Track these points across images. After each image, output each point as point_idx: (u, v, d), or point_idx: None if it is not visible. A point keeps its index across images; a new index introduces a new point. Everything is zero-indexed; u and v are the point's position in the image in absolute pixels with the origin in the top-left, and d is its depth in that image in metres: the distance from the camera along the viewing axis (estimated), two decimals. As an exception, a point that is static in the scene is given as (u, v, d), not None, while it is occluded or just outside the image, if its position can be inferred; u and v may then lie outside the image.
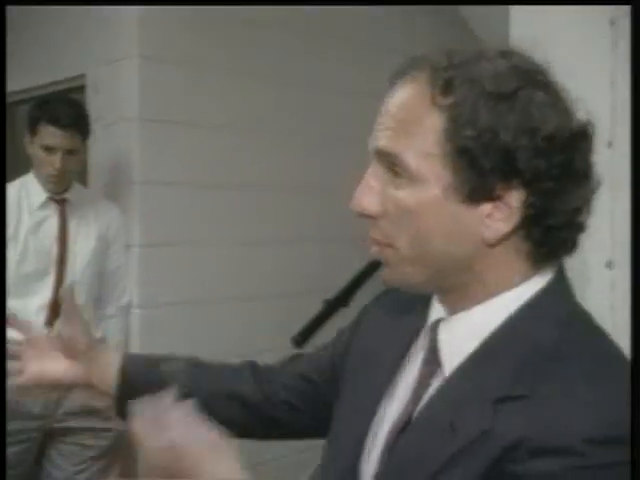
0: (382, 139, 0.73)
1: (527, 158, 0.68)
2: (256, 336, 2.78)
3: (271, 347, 2.81)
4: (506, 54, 0.72)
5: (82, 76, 2.65)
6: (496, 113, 0.68)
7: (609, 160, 1.04)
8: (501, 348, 0.72)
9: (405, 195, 0.72)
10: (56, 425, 2.25)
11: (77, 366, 1.01)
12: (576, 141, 0.70)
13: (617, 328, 1.00)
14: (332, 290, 3.01)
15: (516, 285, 0.74)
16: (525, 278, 0.74)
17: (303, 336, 3.14)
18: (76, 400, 2.24)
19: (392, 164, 0.73)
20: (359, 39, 3.04)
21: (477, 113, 0.68)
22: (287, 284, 2.87)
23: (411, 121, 0.72)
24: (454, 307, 0.77)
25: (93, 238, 2.34)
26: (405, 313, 0.87)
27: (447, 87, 0.70)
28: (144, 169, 2.47)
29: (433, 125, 0.70)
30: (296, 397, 1.02)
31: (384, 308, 0.93)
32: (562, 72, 0.96)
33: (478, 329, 0.74)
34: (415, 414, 0.77)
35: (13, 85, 2.69)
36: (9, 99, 2.70)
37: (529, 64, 0.72)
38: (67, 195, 2.32)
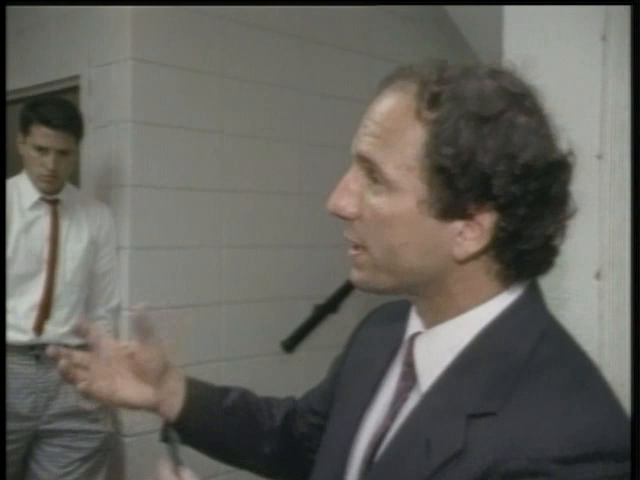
0: (364, 144, 0.74)
1: (503, 184, 0.68)
2: (245, 340, 2.78)
3: (260, 352, 2.83)
4: (496, 74, 0.72)
5: (76, 77, 2.65)
6: (477, 135, 0.68)
7: (598, 173, 1.05)
8: (475, 362, 0.72)
9: (381, 203, 0.72)
10: (43, 427, 2.24)
11: (148, 390, 0.97)
12: (554, 170, 0.70)
13: (604, 337, 1.02)
14: (322, 296, 3.02)
15: (485, 300, 0.74)
16: (495, 294, 0.74)
17: (293, 341, 3.15)
18: (64, 402, 2.24)
19: (371, 170, 0.73)
20: (358, 46, 3.06)
21: (458, 132, 0.68)
22: (277, 289, 2.87)
23: (394, 131, 0.72)
24: (429, 320, 0.78)
25: (85, 239, 2.33)
26: (391, 327, 0.87)
27: (433, 102, 0.70)
28: (136, 172, 2.47)
29: (415, 138, 0.70)
30: (310, 431, 1.01)
31: (375, 323, 0.94)
32: (553, 81, 0.97)
33: (452, 343, 0.74)
34: (392, 429, 0.77)
35: (9, 84, 2.68)
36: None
37: (517, 87, 0.71)
38: (59, 196, 2.31)
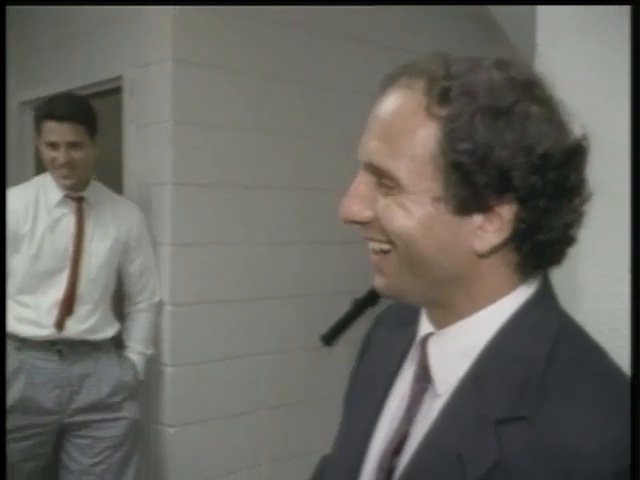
0: (372, 152, 0.72)
1: (522, 175, 0.67)
2: (286, 334, 2.82)
3: (300, 345, 2.85)
4: (502, 64, 0.70)
5: (118, 78, 2.71)
6: (493, 128, 0.66)
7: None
8: (493, 367, 0.71)
9: (394, 204, 0.71)
10: (68, 420, 2.27)
11: None
12: (571, 157, 0.69)
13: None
14: (360, 290, 3.03)
15: (502, 296, 0.73)
16: (511, 289, 0.73)
17: (332, 334, 3.17)
18: (87, 396, 2.27)
19: (381, 176, 0.71)
20: (396, 44, 3.05)
21: (473, 127, 0.66)
22: (316, 283, 2.90)
23: (404, 130, 0.69)
24: (441, 322, 0.76)
25: (110, 238, 2.34)
26: (400, 329, 0.86)
27: (443, 97, 0.68)
28: (176, 170, 2.52)
29: (427, 136, 0.68)
30: None
31: (384, 326, 0.92)
32: (586, 76, 0.97)
33: (468, 344, 0.73)
34: (414, 437, 0.75)
35: (50, 89, 2.76)
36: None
37: (526, 76, 0.70)
38: (84, 193, 2.31)
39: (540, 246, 0.71)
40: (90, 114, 2.28)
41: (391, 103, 0.71)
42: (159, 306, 2.51)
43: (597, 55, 1.11)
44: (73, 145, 2.21)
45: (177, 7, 2.49)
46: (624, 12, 0.98)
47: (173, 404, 2.56)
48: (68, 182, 2.26)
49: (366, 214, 0.73)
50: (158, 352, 2.54)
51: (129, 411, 2.36)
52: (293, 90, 2.81)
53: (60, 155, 2.20)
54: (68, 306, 2.25)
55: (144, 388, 2.50)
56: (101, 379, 2.30)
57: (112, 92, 2.77)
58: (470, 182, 0.67)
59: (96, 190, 2.37)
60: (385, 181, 0.71)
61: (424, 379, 0.77)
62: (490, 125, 0.66)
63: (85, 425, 2.29)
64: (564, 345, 0.69)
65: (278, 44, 2.76)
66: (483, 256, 0.71)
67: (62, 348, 2.25)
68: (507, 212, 0.69)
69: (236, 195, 2.67)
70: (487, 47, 3.09)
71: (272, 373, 2.79)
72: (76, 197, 2.30)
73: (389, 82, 0.73)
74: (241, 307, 2.70)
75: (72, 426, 2.29)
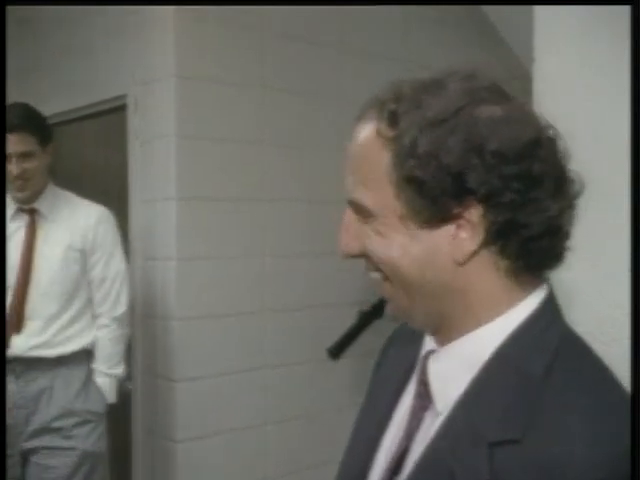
0: (347, 188, 0.75)
1: (477, 176, 0.67)
2: (292, 347, 2.82)
3: (307, 359, 2.85)
4: (466, 76, 0.72)
5: (123, 96, 2.73)
6: (436, 138, 0.68)
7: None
8: (490, 384, 0.70)
9: (373, 233, 0.73)
10: (24, 444, 2.17)
11: None
12: (531, 149, 0.68)
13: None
14: (366, 302, 3.02)
15: (505, 308, 0.72)
16: (513, 299, 0.72)
17: (338, 348, 3.17)
18: (43, 417, 2.16)
19: (358, 208, 0.75)
20: (395, 55, 3.07)
21: (416, 141, 0.68)
22: (322, 296, 2.90)
23: (364, 159, 0.73)
24: (443, 338, 0.76)
25: (62, 246, 2.22)
26: (409, 345, 0.86)
27: (391, 119, 0.71)
28: (181, 185, 2.53)
29: (381, 159, 0.71)
30: None
31: (395, 343, 0.93)
32: (584, 78, 0.97)
33: (468, 361, 0.72)
34: (412, 455, 0.75)
35: (58, 106, 2.78)
36: (54, 120, 2.79)
37: (480, 82, 0.71)
38: (35, 205, 2.23)
39: (526, 244, 0.70)
40: (39, 122, 2.22)
41: (355, 137, 0.75)
42: (122, 319, 2.32)
43: (594, 57, 1.11)
44: (24, 156, 2.16)
45: (179, 22, 2.51)
46: (620, 13, 0.99)
47: (180, 419, 2.55)
48: (20, 195, 2.20)
49: (355, 248, 0.76)
50: (165, 366, 2.54)
51: (81, 440, 2.19)
52: (298, 102, 2.82)
53: (12, 167, 2.14)
54: (16, 323, 2.15)
55: (150, 402, 2.50)
56: (51, 400, 2.17)
57: (116, 110, 2.79)
58: (426, 194, 0.69)
59: (52, 197, 2.27)
60: (362, 212, 0.74)
61: (425, 396, 0.77)
62: (432, 135, 0.68)
63: (35, 451, 2.17)
64: (562, 362, 0.69)
65: (282, 56, 2.77)
66: (464, 264, 0.71)
67: (16, 367, 2.15)
68: (475, 215, 0.69)
69: (241, 208, 2.68)
70: (486, 54, 3.11)
71: (278, 386, 2.79)
72: (28, 209, 2.23)
73: (357, 121, 0.77)
74: (247, 320, 2.70)
75: (30, 451, 2.18)
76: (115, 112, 2.79)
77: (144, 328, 2.66)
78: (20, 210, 2.23)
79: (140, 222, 2.69)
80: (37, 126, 2.20)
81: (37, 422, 2.17)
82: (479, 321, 0.73)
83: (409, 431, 0.77)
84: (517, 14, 2.79)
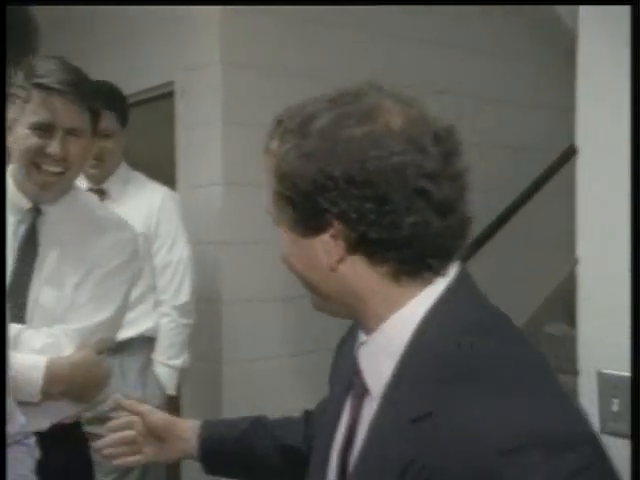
0: None
1: (330, 197, 0.73)
2: (332, 333, 2.81)
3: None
4: (336, 100, 0.80)
5: (170, 83, 2.78)
6: (294, 164, 0.75)
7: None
8: (409, 366, 0.75)
9: (282, 231, 0.82)
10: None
11: (166, 447, 1.12)
12: (379, 173, 0.72)
13: None
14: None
15: (400, 304, 0.77)
16: (405, 296, 0.77)
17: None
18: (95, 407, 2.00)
19: None
20: (438, 39, 3.03)
21: (281, 164, 0.77)
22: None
23: (265, 170, 0.82)
24: (367, 329, 0.81)
25: None
26: (355, 340, 0.90)
27: (276, 136, 0.79)
28: (226, 171, 2.57)
29: (270, 175, 0.80)
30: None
31: (351, 335, 0.95)
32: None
33: (389, 348, 0.77)
34: (355, 440, 0.80)
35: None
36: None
37: (353, 106, 0.78)
38: (105, 185, 2.22)
39: (386, 253, 0.75)
40: (121, 103, 2.21)
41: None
42: (184, 309, 2.27)
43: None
44: (104, 135, 2.09)
45: (224, 10, 2.54)
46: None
47: (226, 403, 2.59)
48: (93, 172, 2.16)
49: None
50: (214, 349, 2.58)
51: None
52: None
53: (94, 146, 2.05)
54: None
55: (198, 385, 2.54)
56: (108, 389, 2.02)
57: (164, 97, 2.84)
58: (295, 209, 0.77)
59: (123, 179, 2.26)
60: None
61: (360, 385, 0.82)
62: (293, 160, 0.76)
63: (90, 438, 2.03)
64: (470, 338, 0.72)
65: (325, 44, 2.77)
66: (336, 270, 0.77)
67: None
68: (336, 229, 0.75)
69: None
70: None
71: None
72: (96, 189, 2.18)
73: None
74: (291, 305, 2.71)
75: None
76: (162, 99, 2.84)
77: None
78: (90, 190, 2.14)
79: (187, 207, 2.73)
80: (118, 106, 2.19)
81: (93, 411, 2.07)
82: (381, 315, 0.78)
83: (352, 420, 0.82)
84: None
